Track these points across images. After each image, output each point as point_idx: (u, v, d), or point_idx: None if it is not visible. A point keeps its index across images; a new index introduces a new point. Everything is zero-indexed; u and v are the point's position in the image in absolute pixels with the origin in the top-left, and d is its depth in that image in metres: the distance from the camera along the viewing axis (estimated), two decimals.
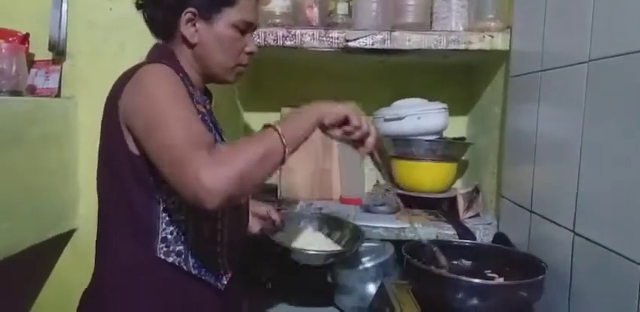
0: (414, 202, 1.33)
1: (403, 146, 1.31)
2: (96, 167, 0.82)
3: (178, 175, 0.66)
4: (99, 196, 0.82)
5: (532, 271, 0.84)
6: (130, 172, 0.76)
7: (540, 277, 0.80)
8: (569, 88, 0.83)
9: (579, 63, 0.80)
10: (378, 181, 1.52)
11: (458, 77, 1.46)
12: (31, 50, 1.16)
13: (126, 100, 0.74)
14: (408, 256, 0.87)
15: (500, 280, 0.91)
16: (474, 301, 0.79)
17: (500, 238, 1.06)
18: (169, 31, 0.84)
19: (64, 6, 1.13)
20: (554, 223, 0.88)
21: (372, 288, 1.12)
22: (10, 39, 1.05)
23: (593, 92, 0.77)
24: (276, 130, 0.72)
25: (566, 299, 0.83)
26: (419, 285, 0.89)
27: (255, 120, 1.54)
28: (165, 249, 0.77)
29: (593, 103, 0.77)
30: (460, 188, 1.37)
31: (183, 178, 0.66)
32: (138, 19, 1.17)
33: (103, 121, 0.80)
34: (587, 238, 0.77)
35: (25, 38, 1.07)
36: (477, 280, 0.81)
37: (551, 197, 0.91)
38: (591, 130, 0.77)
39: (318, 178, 1.50)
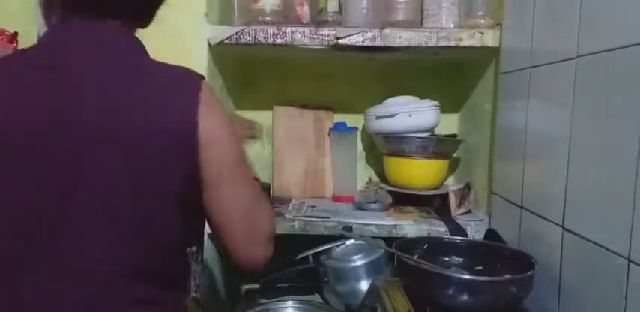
0: (405, 199, 1.34)
1: (395, 144, 1.31)
2: None
3: (245, 240, 0.74)
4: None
5: (522, 266, 0.84)
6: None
7: (530, 273, 0.81)
8: (558, 85, 0.84)
9: (567, 59, 0.80)
10: (370, 179, 1.53)
11: (448, 74, 1.47)
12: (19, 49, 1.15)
13: (205, 127, 0.65)
14: (398, 253, 0.87)
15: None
16: (464, 297, 0.79)
17: (491, 234, 1.07)
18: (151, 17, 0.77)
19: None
20: (544, 218, 0.88)
21: (363, 285, 1.12)
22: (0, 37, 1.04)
23: (581, 88, 0.77)
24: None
25: (556, 294, 0.83)
26: (410, 281, 0.90)
27: (248, 117, 1.53)
28: None
29: (581, 100, 0.77)
30: (452, 185, 1.37)
31: (248, 245, 0.75)
32: None
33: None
34: (576, 234, 0.78)
35: (13, 37, 1.07)
36: (466, 276, 0.82)
37: (540, 193, 0.91)
38: (579, 127, 0.78)
39: (311, 176, 1.50)
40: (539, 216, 0.90)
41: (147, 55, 0.72)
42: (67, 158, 0.62)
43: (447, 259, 0.97)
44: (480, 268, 0.95)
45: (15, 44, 1.07)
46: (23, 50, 0.72)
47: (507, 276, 0.86)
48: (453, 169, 1.44)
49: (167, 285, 0.71)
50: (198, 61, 1.15)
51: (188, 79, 0.69)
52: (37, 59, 0.66)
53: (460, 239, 1.03)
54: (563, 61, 0.81)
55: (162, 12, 1.13)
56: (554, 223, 0.84)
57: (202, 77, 0.70)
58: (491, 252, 0.96)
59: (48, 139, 0.62)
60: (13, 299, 0.63)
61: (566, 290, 0.81)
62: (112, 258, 0.64)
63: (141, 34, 1.16)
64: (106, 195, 0.62)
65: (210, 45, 1.15)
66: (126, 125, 0.63)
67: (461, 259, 0.98)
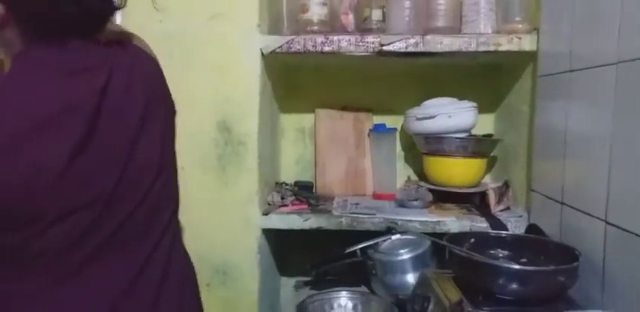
0: (445, 196, 1.40)
1: (435, 143, 1.38)
2: None
3: None
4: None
5: (566, 259, 0.90)
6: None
7: (575, 264, 0.86)
8: (598, 89, 0.89)
9: (608, 64, 0.86)
10: (409, 177, 1.59)
11: (485, 77, 1.52)
12: None
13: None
14: (450, 245, 0.94)
15: None
16: (514, 286, 0.86)
17: (533, 229, 1.12)
18: None
19: (118, 17, 1.21)
20: (586, 213, 0.94)
21: (410, 278, 1.19)
22: None
23: (622, 92, 0.83)
24: None
25: (599, 285, 0.89)
26: (461, 272, 0.96)
27: (291, 121, 1.61)
28: None
29: (622, 102, 0.83)
30: (490, 183, 1.43)
31: None
32: (186, 32, 1.25)
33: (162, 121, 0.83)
34: (619, 227, 0.83)
35: None
36: (516, 266, 0.88)
37: (582, 189, 0.97)
38: (621, 127, 0.83)
39: (351, 175, 1.58)
40: (581, 211, 0.96)
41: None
42: (121, 147, 0.73)
43: (492, 252, 1.04)
44: (525, 260, 1.01)
45: None
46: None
47: (552, 267, 0.92)
48: (490, 167, 1.50)
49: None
50: (252, 69, 1.23)
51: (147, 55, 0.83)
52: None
53: (505, 233, 1.10)
54: (604, 66, 0.87)
55: (217, 24, 1.22)
56: (596, 217, 0.90)
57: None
58: (535, 245, 1.02)
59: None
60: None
61: (609, 280, 0.87)
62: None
63: (198, 45, 1.25)
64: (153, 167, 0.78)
65: (262, 54, 1.23)
66: (156, 100, 0.80)
67: (506, 252, 1.04)
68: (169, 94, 0.86)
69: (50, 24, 0.71)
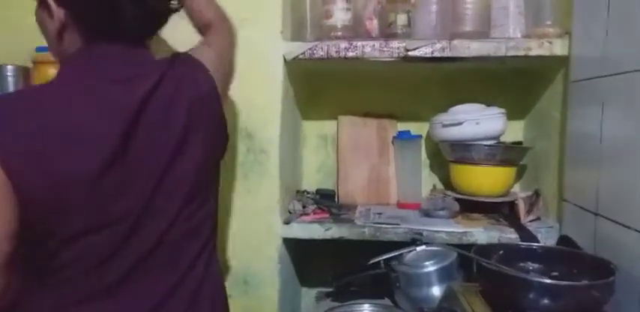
0: (472, 206, 1.35)
1: (462, 151, 1.34)
2: None
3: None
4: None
5: (600, 273, 0.85)
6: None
7: (611, 279, 0.82)
8: (635, 94, 0.85)
9: None
10: (434, 186, 1.55)
11: (513, 82, 1.48)
12: None
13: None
14: (477, 257, 0.90)
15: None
16: (545, 301, 0.81)
17: (565, 240, 1.07)
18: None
19: None
20: (623, 225, 0.89)
21: (435, 291, 1.15)
22: None
23: None
24: None
25: (636, 301, 0.84)
26: (489, 286, 0.92)
27: (313, 128, 1.59)
28: None
29: None
30: (520, 192, 1.38)
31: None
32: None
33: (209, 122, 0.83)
34: None
35: None
36: (548, 281, 0.83)
37: (619, 199, 0.92)
38: None
39: (374, 183, 1.54)
40: (618, 223, 0.91)
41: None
42: (157, 157, 0.73)
43: (522, 264, 0.99)
44: (556, 274, 0.97)
45: None
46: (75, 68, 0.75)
47: (586, 281, 0.88)
48: (519, 176, 1.45)
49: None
50: (275, 76, 1.22)
51: (195, 62, 0.84)
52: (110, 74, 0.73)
53: (536, 245, 1.05)
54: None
55: (242, 30, 1.21)
56: (635, 229, 0.85)
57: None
58: (568, 258, 0.97)
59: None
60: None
61: None
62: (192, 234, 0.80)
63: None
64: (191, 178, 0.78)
65: (285, 60, 1.22)
66: (201, 119, 0.79)
67: (537, 265, 0.99)
68: (220, 124, 0.86)
69: (108, 25, 0.73)
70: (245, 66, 1.21)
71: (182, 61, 0.81)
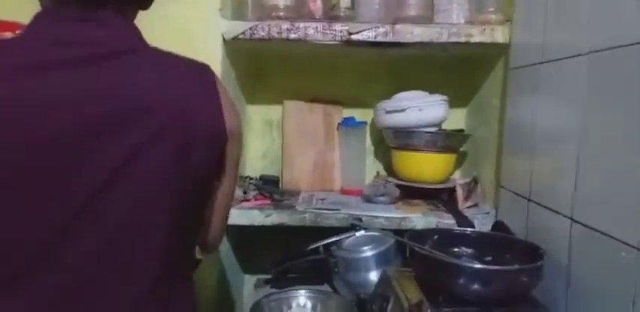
0: (413, 192, 1.36)
1: (404, 138, 1.33)
2: None
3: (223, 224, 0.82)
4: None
5: (531, 257, 0.86)
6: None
7: (539, 263, 0.83)
8: (569, 80, 0.86)
9: (579, 55, 0.82)
10: (378, 173, 1.55)
11: (456, 70, 1.49)
12: None
13: (229, 121, 0.69)
14: (410, 242, 0.89)
15: None
16: (476, 286, 0.82)
17: (499, 226, 1.09)
18: None
19: None
20: (552, 210, 0.91)
21: (373, 276, 1.15)
22: (17, 32, 1.05)
23: (594, 84, 0.79)
24: None
25: (564, 284, 0.85)
26: (422, 271, 0.92)
27: (258, 113, 1.56)
28: None
29: (594, 95, 0.79)
30: (459, 179, 1.39)
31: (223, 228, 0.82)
32: (141, 15, 1.18)
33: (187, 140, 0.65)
34: (585, 225, 0.80)
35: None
36: (478, 265, 0.84)
37: (549, 186, 0.93)
38: (591, 121, 0.80)
39: (320, 169, 1.53)
40: (548, 208, 0.93)
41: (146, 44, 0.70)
42: (108, 158, 0.61)
43: (456, 249, 1.00)
44: (490, 258, 0.97)
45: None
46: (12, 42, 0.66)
47: (517, 266, 0.89)
48: (459, 163, 1.46)
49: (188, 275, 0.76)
50: (213, 56, 1.16)
51: (204, 72, 0.70)
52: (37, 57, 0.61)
53: (470, 231, 1.06)
54: (575, 56, 0.83)
55: (176, 8, 1.15)
56: (562, 215, 0.87)
57: (209, 66, 0.72)
58: (500, 243, 0.98)
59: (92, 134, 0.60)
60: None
61: (574, 280, 0.83)
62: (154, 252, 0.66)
63: (154, 29, 1.18)
64: (152, 191, 0.63)
65: (224, 40, 1.17)
66: (166, 124, 0.63)
67: (470, 250, 1.00)
68: (207, 125, 0.67)
69: None
70: (180, 45, 1.13)
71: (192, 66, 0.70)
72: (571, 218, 0.84)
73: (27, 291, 0.61)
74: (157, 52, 0.68)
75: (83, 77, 0.60)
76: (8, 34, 1.01)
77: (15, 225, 0.60)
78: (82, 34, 0.63)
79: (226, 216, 0.83)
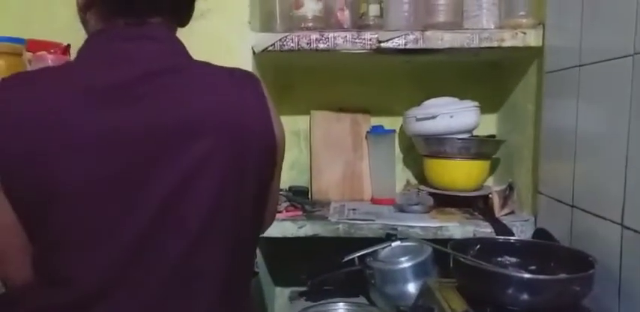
0: (447, 200, 1.34)
1: (436, 145, 1.32)
2: None
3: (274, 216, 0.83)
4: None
5: (578, 265, 0.84)
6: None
7: (591, 272, 0.80)
8: (613, 82, 0.84)
9: (623, 56, 0.80)
10: (408, 181, 1.53)
11: (485, 75, 1.47)
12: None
13: (277, 128, 0.70)
14: (455, 253, 0.87)
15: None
16: (525, 296, 0.80)
17: (541, 233, 1.06)
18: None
19: None
20: (600, 216, 0.88)
21: (410, 287, 1.13)
22: (52, 50, 1.07)
23: (639, 85, 0.77)
24: None
25: (615, 293, 0.82)
26: (467, 282, 0.90)
27: (285, 124, 1.54)
28: None
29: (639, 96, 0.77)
30: (493, 186, 1.37)
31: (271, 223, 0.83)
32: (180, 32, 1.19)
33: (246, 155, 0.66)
34: (636, 231, 0.77)
35: (66, 49, 1.10)
36: (527, 275, 0.82)
37: (595, 191, 0.91)
38: (638, 123, 0.77)
39: (349, 179, 1.51)
40: (594, 214, 0.90)
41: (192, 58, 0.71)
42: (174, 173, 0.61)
43: (500, 259, 0.97)
44: (534, 267, 0.95)
45: (68, 55, 1.10)
46: (70, 66, 0.68)
47: (563, 275, 0.86)
48: (492, 169, 1.44)
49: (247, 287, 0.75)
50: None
51: (251, 80, 0.71)
52: (96, 80, 0.61)
53: (513, 239, 1.03)
54: (619, 58, 0.81)
55: (206, 22, 1.16)
56: (611, 221, 0.84)
57: (253, 73, 0.73)
58: (545, 251, 0.96)
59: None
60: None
61: (627, 289, 0.81)
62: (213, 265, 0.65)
63: (185, 42, 1.19)
64: (217, 202, 0.63)
65: (254, 52, 1.17)
66: (224, 136, 0.63)
67: (514, 259, 0.97)
68: (261, 133, 0.68)
69: (126, 3, 0.65)
70: (210, 59, 1.16)
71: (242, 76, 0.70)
72: (621, 224, 0.81)
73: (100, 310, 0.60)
74: (203, 65, 0.69)
75: (144, 104, 0.61)
76: (44, 54, 1.02)
77: (92, 241, 0.60)
78: (137, 52, 0.64)
79: (275, 212, 0.85)
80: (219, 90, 0.66)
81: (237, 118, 0.64)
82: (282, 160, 0.76)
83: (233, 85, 0.67)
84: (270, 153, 0.70)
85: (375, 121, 1.52)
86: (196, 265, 0.63)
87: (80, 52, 0.65)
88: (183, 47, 0.70)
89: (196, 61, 0.69)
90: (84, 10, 0.68)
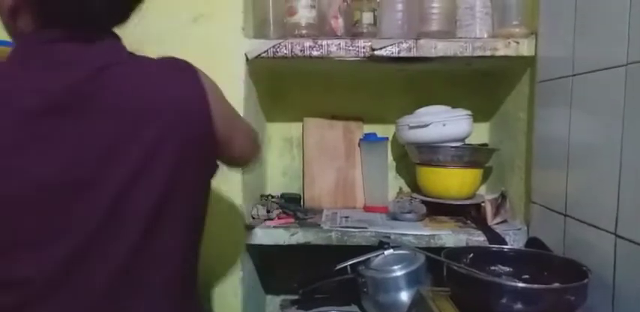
0: (440, 208, 1.33)
1: (428, 153, 1.31)
2: None
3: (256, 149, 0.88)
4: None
5: (572, 275, 0.84)
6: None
7: (585, 281, 0.80)
8: (606, 92, 0.84)
9: (616, 66, 0.81)
10: (401, 189, 1.53)
11: (478, 84, 1.47)
12: None
13: (215, 109, 0.71)
14: (448, 261, 0.87)
15: None
16: (519, 306, 0.79)
17: (534, 242, 1.06)
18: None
19: None
20: (593, 226, 0.88)
21: (403, 296, 1.12)
22: None
23: (631, 95, 0.77)
24: None
25: (609, 303, 0.82)
26: (460, 290, 0.89)
27: (278, 131, 1.55)
28: None
29: (632, 106, 0.77)
30: (486, 194, 1.37)
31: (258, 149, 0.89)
32: (164, 35, 1.18)
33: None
34: (631, 241, 0.77)
35: None
36: (521, 284, 0.81)
37: (588, 200, 0.91)
38: (632, 133, 0.78)
39: (341, 187, 1.51)
40: (588, 223, 0.90)
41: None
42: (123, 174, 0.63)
43: (493, 268, 0.97)
44: (527, 276, 0.95)
45: None
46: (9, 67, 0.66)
47: (557, 284, 0.86)
48: (485, 178, 1.44)
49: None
50: (235, 76, 1.16)
51: (188, 68, 0.73)
52: (38, 81, 0.62)
53: (506, 248, 1.03)
54: (612, 68, 0.82)
55: (199, 27, 1.15)
56: (605, 230, 0.84)
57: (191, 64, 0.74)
58: (539, 260, 0.96)
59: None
60: None
61: (620, 299, 0.80)
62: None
63: (177, 49, 1.18)
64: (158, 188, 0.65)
65: (247, 59, 1.16)
66: (170, 122, 0.65)
67: (507, 268, 0.97)
68: (206, 134, 0.70)
69: (63, 11, 0.65)
70: (204, 65, 1.13)
71: (167, 63, 0.72)
72: (615, 233, 0.81)
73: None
74: (141, 58, 0.70)
75: (82, 100, 0.62)
76: None
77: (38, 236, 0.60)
78: (73, 54, 0.64)
79: (249, 136, 0.85)
80: (159, 80, 0.68)
81: (179, 106, 0.66)
82: (229, 110, 0.78)
83: (171, 74, 0.70)
84: (212, 135, 0.71)
85: (368, 128, 1.52)
86: (147, 262, 0.64)
87: (15, 53, 0.66)
88: (121, 43, 0.72)
89: (135, 55, 0.71)
90: (9, 14, 0.67)
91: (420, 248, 1.11)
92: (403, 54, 1.16)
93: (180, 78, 0.70)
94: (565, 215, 0.98)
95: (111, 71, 0.64)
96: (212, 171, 0.77)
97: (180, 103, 0.67)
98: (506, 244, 1.13)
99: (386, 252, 1.16)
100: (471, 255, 0.97)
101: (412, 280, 1.12)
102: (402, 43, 1.16)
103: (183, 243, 0.70)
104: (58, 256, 0.60)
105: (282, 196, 1.47)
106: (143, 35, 1.14)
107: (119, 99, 0.63)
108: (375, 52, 1.16)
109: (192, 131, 0.68)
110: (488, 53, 1.15)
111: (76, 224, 0.60)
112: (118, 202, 0.61)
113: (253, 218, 1.27)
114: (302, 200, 1.50)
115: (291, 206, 1.37)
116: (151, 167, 0.63)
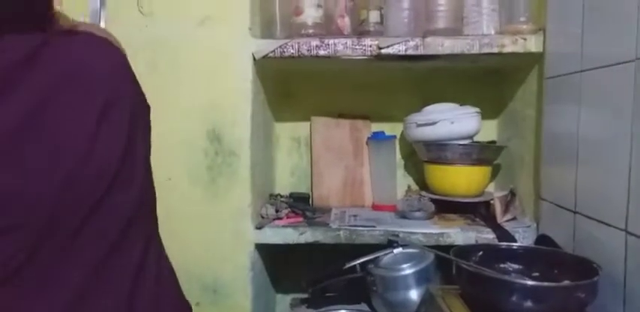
0: (448, 206, 1.33)
1: (437, 151, 1.31)
2: None
3: None
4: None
5: (582, 272, 0.83)
6: None
7: (595, 279, 0.80)
8: (615, 88, 0.83)
9: (625, 62, 0.80)
10: (409, 187, 1.52)
11: (484, 81, 1.47)
12: None
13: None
14: (457, 259, 0.87)
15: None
16: (529, 304, 0.79)
17: (544, 240, 1.06)
18: None
19: (102, 23, 1.16)
20: (604, 223, 0.87)
21: (413, 294, 1.12)
22: None
23: None
24: None
25: (620, 301, 0.82)
26: (470, 289, 0.89)
27: (286, 130, 1.55)
28: None
29: None
30: (495, 192, 1.36)
31: None
32: (173, 36, 1.18)
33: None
34: None
35: None
36: (531, 282, 0.81)
37: (598, 197, 0.90)
38: None
39: (350, 185, 1.51)
40: (598, 220, 0.89)
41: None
42: None
43: (503, 266, 0.97)
44: (537, 274, 0.94)
45: None
46: None
47: (567, 282, 0.86)
48: (493, 175, 1.43)
49: None
50: (243, 75, 1.17)
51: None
52: None
53: (516, 245, 1.03)
54: (621, 63, 0.81)
55: (207, 27, 1.16)
56: (615, 227, 0.83)
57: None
58: (549, 258, 0.95)
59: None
60: None
61: (631, 296, 0.80)
62: None
63: (185, 51, 1.19)
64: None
65: (254, 58, 1.17)
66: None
67: (517, 266, 0.97)
68: (136, 94, 0.69)
69: None
70: (212, 65, 1.17)
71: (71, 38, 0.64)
72: (625, 230, 0.81)
73: None
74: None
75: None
76: None
77: None
78: None
79: None
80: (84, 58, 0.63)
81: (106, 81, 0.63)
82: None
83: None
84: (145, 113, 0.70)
85: (376, 127, 1.52)
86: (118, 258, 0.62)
87: None
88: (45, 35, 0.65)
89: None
90: None
91: (429, 246, 1.11)
92: (410, 52, 1.16)
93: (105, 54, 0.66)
94: (575, 212, 0.98)
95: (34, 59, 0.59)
96: None
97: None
98: (515, 241, 1.13)
99: (395, 250, 1.16)
100: (481, 253, 0.96)
101: (421, 278, 1.12)
102: (408, 41, 1.15)
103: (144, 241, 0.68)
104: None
105: (291, 195, 1.48)
106: (150, 39, 1.16)
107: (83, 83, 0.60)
108: (382, 51, 1.16)
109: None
110: (495, 50, 1.14)
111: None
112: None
113: (262, 218, 1.28)
114: (310, 199, 1.50)
115: (300, 205, 1.38)
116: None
